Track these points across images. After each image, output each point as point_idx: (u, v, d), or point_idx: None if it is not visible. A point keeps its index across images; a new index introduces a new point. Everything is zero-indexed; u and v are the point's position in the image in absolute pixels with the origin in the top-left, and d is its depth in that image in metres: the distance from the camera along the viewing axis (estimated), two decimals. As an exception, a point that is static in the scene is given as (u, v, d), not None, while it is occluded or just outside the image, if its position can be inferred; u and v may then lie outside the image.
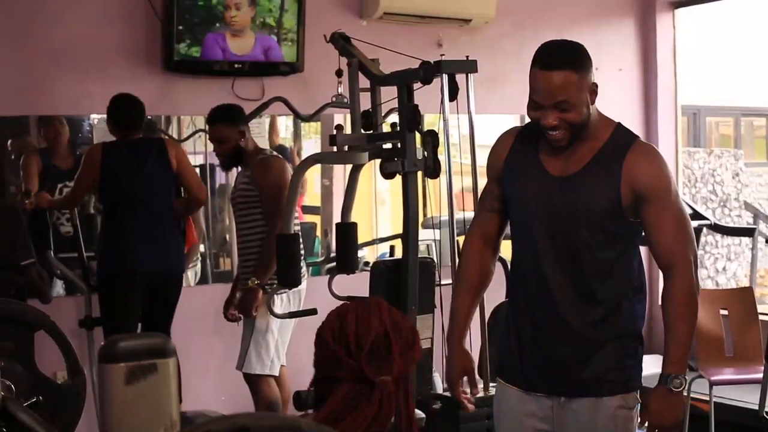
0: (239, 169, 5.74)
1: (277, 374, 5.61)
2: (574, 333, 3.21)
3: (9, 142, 6.07)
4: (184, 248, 5.93)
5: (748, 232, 8.22)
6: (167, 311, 5.71)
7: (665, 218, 3.18)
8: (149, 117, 5.91)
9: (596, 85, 3.14)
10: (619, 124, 3.26)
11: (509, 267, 3.50)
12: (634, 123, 7.82)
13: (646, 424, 3.23)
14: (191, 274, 6.45)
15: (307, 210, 7.04)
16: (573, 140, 3.15)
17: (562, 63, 3.08)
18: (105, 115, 5.70)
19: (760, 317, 6.18)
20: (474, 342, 5.02)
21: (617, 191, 3.15)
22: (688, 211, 7.01)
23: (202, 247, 6.54)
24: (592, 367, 3.22)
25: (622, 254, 3.23)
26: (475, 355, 5.15)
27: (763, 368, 5.42)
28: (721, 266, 10.56)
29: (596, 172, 3.17)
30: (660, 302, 3.24)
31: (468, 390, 3.42)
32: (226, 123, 5.53)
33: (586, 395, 3.23)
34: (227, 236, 6.24)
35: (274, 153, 5.87)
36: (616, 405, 3.24)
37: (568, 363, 3.23)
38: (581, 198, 3.17)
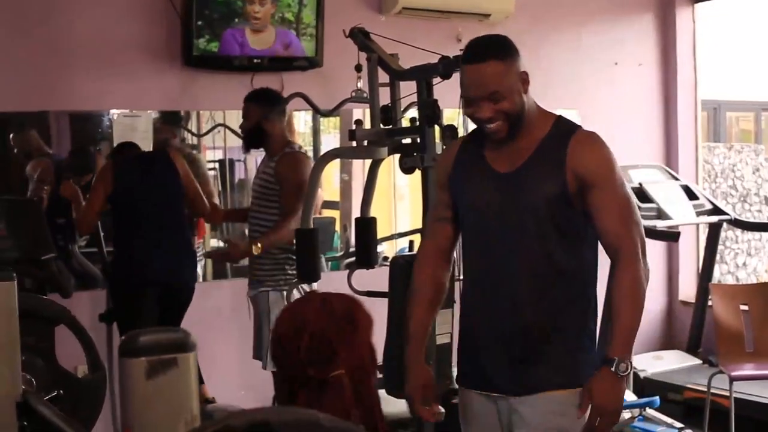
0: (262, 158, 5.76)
1: None
2: (528, 328, 3.20)
3: (11, 136, 6.07)
4: (196, 257, 5.98)
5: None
6: (177, 319, 5.74)
7: (610, 203, 3.17)
8: (172, 111, 5.95)
9: (527, 74, 3.21)
10: (560, 116, 3.31)
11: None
12: (653, 118, 7.80)
13: (590, 409, 3.14)
14: (208, 269, 6.47)
15: (327, 205, 7.04)
16: (513, 132, 3.19)
17: (486, 55, 3.14)
18: (125, 111, 5.73)
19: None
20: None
21: (563, 179, 3.16)
22: (708, 206, 7.03)
23: (220, 243, 6.55)
24: (545, 362, 3.21)
25: (573, 247, 3.23)
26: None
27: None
28: (741, 261, 10.52)
29: (540, 163, 3.19)
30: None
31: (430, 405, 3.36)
32: (253, 102, 5.57)
33: (540, 391, 3.20)
34: (246, 231, 6.24)
35: (302, 149, 5.86)
36: (568, 401, 3.19)
37: (523, 359, 3.22)
38: (527, 191, 3.19)
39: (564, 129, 3.25)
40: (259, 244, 5.33)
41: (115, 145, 5.97)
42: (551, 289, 3.21)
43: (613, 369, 3.09)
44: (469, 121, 4.56)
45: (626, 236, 3.16)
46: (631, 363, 3.15)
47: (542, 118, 3.26)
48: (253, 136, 5.58)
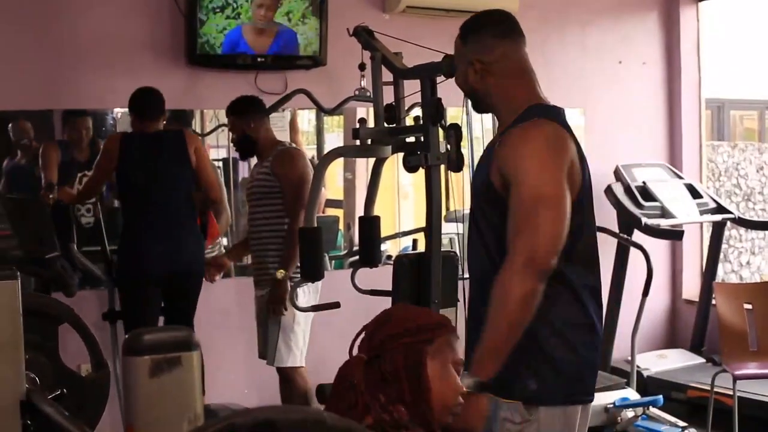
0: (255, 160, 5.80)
1: (305, 365, 5.63)
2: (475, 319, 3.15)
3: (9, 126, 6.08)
4: (202, 243, 5.90)
5: (774, 226, 8.19)
6: (187, 307, 5.72)
7: (515, 203, 2.95)
8: (176, 110, 5.96)
9: (479, 62, 3.24)
10: (533, 105, 3.16)
11: None
12: (658, 117, 7.80)
13: (626, 394, 3.19)
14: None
15: (330, 203, 7.04)
16: (475, 108, 3.36)
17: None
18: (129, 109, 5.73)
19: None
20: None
21: (487, 173, 3.10)
22: (712, 205, 7.02)
23: (225, 241, 6.55)
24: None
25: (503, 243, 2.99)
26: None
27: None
28: (745, 260, 10.51)
29: (486, 153, 3.23)
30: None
31: None
32: (233, 114, 5.65)
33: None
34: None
35: (293, 145, 5.89)
36: (502, 414, 2.86)
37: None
38: (475, 179, 3.26)
39: (520, 117, 3.11)
40: (282, 271, 5.34)
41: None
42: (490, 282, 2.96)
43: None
44: (473, 119, 4.57)
45: (515, 240, 2.92)
46: (483, 382, 2.79)
47: (513, 111, 3.16)
48: (243, 146, 5.64)
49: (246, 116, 5.62)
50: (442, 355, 2.43)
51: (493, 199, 3.07)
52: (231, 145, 5.99)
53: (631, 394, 5.70)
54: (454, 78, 3.25)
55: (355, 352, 2.49)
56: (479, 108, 3.34)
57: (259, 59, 6.19)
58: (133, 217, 5.64)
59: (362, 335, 2.48)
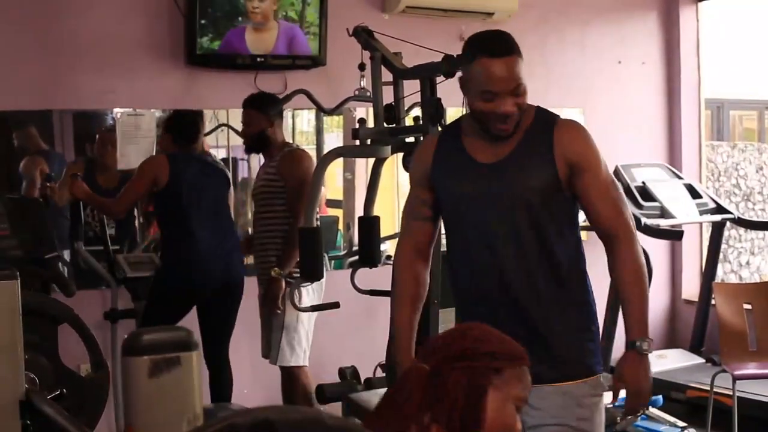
0: (262, 161, 5.80)
1: (308, 364, 5.64)
2: (532, 322, 3.19)
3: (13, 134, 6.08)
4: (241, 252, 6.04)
5: (773, 226, 8.19)
6: (230, 316, 5.84)
7: (602, 187, 3.21)
8: (176, 110, 5.99)
9: None
10: (539, 106, 3.30)
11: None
12: (657, 116, 7.80)
13: (624, 395, 3.20)
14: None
15: (330, 204, 7.04)
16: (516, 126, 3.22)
17: (510, 49, 3.13)
18: (129, 109, 5.74)
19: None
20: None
21: (553, 166, 3.17)
22: (711, 205, 7.03)
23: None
24: (551, 355, 3.19)
25: (566, 234, 3.24)
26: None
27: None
28: (744, 260, 10.51)
29: (527, 152, 3.19)
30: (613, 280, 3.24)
31: None
32: (254, 108, 5.65)
33: (547, 383, 3.14)
34: (250, 230, 6.24)
35: (301, 147, 5.90)
36: (580, 391, 3.23)
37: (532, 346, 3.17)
38: (517, 180, 3.18)
39: (545, 117, 3.26)
40: (279, 271, 5.35)
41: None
42: (543, 280, 3.20)
43: (638, 350, 3.14)
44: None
45: (621, 219, 3.21)
46: (651, 339, 3.17)
47: (528, 111, 3.25)
48: (257, 143, 5.64)
49: (267, 114, 5.63)
50: (508, 389, 2.33)
51: (557, 192, 3.19)
52: (229, 143, 6.00)
53: (631, 394, 5.69)
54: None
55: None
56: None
57: (258, 59, 6.19)
58: (182, 229, 5.70)
59: (430, 344, 2.40)
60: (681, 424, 5.59)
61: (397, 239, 4.65)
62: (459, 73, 3.33)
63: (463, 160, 3.25)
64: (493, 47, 3.13)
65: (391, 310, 3.43)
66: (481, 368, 2.30)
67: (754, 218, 9.97)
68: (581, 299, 3.27)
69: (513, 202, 3.18)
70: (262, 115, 5.61)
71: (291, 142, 5.93)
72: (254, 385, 6.09)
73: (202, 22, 5.99)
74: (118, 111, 6.14)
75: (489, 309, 3.20)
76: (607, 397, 3.25)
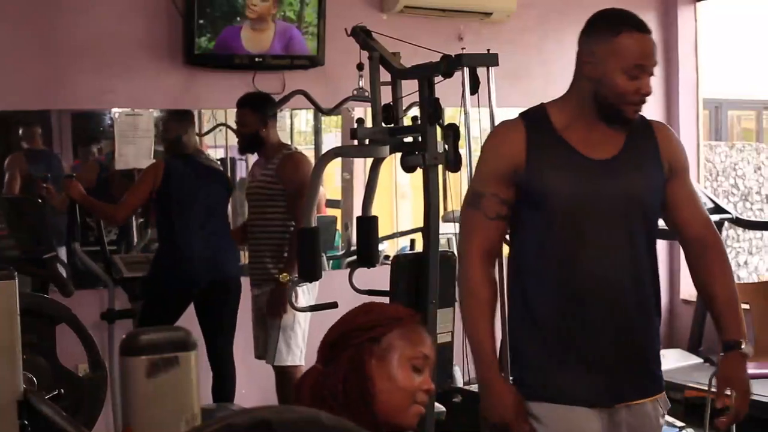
0: (256, 158, 5.81)
1: (304, 363, 5.65)
2: (635, 333, 3.04)
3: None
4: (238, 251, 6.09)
5: (770, 226, 8.19)
6: (229, 314, 5.89)
7: (693, 192, 3.17)
8: (174, 110, 6.01)
9: None
10: None
11: (524, 273, 3.13)
12: (655, 116, 7.72)
13: (730, 396, 3.23)
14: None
15: (328, 203, 7.04)
16: None
17: (647, 26, 3.00)
18: (127, 109, 5.76)
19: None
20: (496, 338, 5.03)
21: (662, 170, 3.07)
22: (709, 205, 7.04)
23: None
24: (647, 369, 3.11)
25: (654, 242, 3.14)
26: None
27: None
28: (742, 260, 10.52)
29: (638, 151, 3.03)
30: (696, 286, 3.18)
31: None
32: (249, 108, 5.66)
33: (644, 397, 3.09)
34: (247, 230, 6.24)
35: (299, 149, 5.92)
36: (660, 406, 3.16)
37: (629, 367, 3.05)
38: (635, 180, 3.00)
39: (638, 116, 3.08)
40: (287, 276, 5.35)
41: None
42: (649, 288, 3.07)
43: (741, 352, 3.15)
44: (478, 119, 4.55)
45: (711, 225, 3.17)
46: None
47: None
48: (250, 143, 5.67)
49: (262, 114, 5.65)
50: (394, 353, 2.31)
51: (660, 195, 3.11)
52: (227, 143, 6.00)
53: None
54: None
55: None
56: None
57: (256, 59, 6.19)
58: (176, 227, 5.77)
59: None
60: (679, 424, 5.59)
61: (394, 239, 4.62)
62: (586, 46, 3.06)
63: (569, 155, 2.99)
64: (638, 22, 2.97)
65: (466, 322, 3.11)
66: (358, 343, 2.30)
67: (752, 218, 9.98)
68: (659, 309, 3.16)
69: (629, 203, 2.99)
70: (255, 115, 5.63)
71: (287, 142, 5.94)
72: (250, 385, 6.08)
73: (201, 21, 5.99)
74: (116, 111, 6.15)
75: (593, 316, 3.00)
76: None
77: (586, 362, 3.00)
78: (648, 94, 2.95)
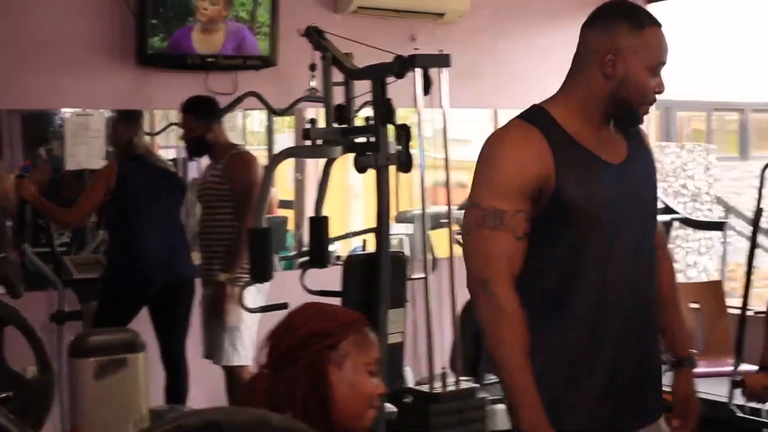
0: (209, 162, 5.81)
1: (251, 364, 5.64)
2: (653, 351, 2.90)
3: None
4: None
5: (719, 226, 8.26)
6: (184, 314, 5.86)
7: None
8: (126, 110, 5.98)
9: None
10: None
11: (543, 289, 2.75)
12: (606, 118, 7.84)
13: (685, 412, 3.05)
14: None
15: (280, 204, 7.03)
16: None
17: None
18: (78, 110, 5.73)
19: (730, 311, 6.21)
20: (446, 337, 5.05)
21: (655, 171, 2.94)
22: (660, 205, 7.08)
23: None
24: (659, 386, 2.96)
25: None
26: (447, 351, 5.18)
27: (732, 361, 5.45)
28: (691, 260, 10.62)
29: (639, 154, 2.87)
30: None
31: None
32: (191, 114, 5.66)
33: (656, 419, 2.93)
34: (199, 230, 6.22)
35: (247, 149, 5.91)
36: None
37: (649, 386, 2.91)
38: (646, 185, 2.86)
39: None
40: (227, 276, 5.39)
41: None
42: (653, 300, 2.91)
43: (691, 366, 3.09)
44: (431, 119, 4.55)
45: (659, 230, 3.01)
46: None
47: None
48: (197, 146, 5.69)
49: (204, 118, 5.64)
50: (350, 359, 2.30)
51: None
52: (182, 141, 5.97)
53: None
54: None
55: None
56: None
57: (208, 59, 6.16)
58: (131, 229, 5.74)
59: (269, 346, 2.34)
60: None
61: (347, 239, 4.61)
62: (611, 40, 2.74)
63: (590, 160, 2.73)
64: (650, 16, 2.82)
65: (503, 362, 2.66)
66: (316, 351, 2.28)
67: (702, 218, 10.07)
68: None
69: (643, 209, 2.83)
70: (199, 120, 5.64)
71: (237, 143, 5.93)
72: (200, 386, 6.05)
73: (153, 21, 5.95)
74: (66, 111, 6.10)
75: (623, 334, 2.78)
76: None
77: (616, 386, 2.77)
78: (662, 92, 2.79)
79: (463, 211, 2.78)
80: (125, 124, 5.93)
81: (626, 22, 2.74)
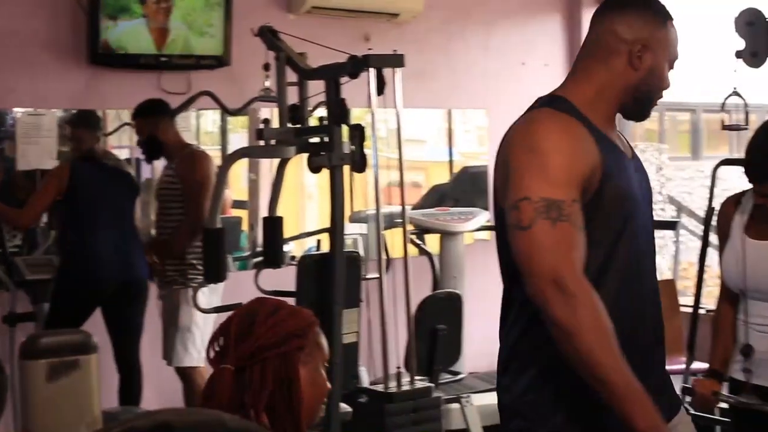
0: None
1: (204, 365, 5.63)
2: (663, 345, 2.77)
3: None
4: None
5: (671, 226, 8.33)
6: (138, 315, 5.84)
7: None
8: (79, 110, 5.96)
9: None
10: None
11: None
12: (560, 118, 7.88)
13: None
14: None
15: (234, 204, 7.01)
16: None
17: None
18: (29, 109, 5.70)
19: (683, 309, 6.27)
20: (401, 337, 5.06)
21: None
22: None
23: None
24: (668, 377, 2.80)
25: None
26: (402, 351, 5.18)
27: (685, 359, 5.50)
28: (645, 259, 10.67)
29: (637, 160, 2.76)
30: None
31: None
32: (140, 117, 5.69)
33: (678, 410, 2.73)
34: (153, 231, 6.19)
35: (200, 148, 5.90)
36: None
37: (669, 378, 2.80)
38: (648, 182, 2.76)
39: None
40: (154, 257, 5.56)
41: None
42: None
43: None
44: (385, 119, 4.56)
45: None
46: None
47: None
48: (150, 148, 5.67)
49: (153, 119, 5.65)
50: (313, 358, 2.31)
51: None
52: (137, 146, 5.95)
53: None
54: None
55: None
56: None
57: (162, 59, 6.13)
58: (84, 230, 5.71)
59: (220, 341, 2.32)
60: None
61: (302, 239, 4.58)
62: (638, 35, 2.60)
63: (619, 152, 2.61)
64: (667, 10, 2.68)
65: (599, 363, 2.35)
66: (287, 353, 2.27)
67: (655, 218, 10.12)
68: None
69: (650, 207, 2.73)
70: (147, 121, 5.66)
71: (191, 143, 5.92)
72: (154, 388, 6.03)
73: (106, 20, 5.91)
74: (18, 111, 6.05)
75: (650, 335, 2.70)
76: None
77: (653, 378, 2.60)
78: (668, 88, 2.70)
79: (511, 210, 2.46)
80: (89, 132, 5.93)
81: (653, 14, 2.62)
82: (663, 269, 10.63)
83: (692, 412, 4.18)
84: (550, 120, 2.57)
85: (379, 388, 4.92)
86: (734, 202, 3.88)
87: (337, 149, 4.60)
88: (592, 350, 2.33)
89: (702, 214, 6.61)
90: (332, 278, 4.61)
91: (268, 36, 5.11)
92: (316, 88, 4.86)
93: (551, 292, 2.34)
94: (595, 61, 2.65)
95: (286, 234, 5.30)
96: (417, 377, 4.91)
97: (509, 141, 2.63)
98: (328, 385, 2.37)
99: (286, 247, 5.55)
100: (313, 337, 2.32)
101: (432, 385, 5.00)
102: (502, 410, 2.67)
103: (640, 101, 2.66)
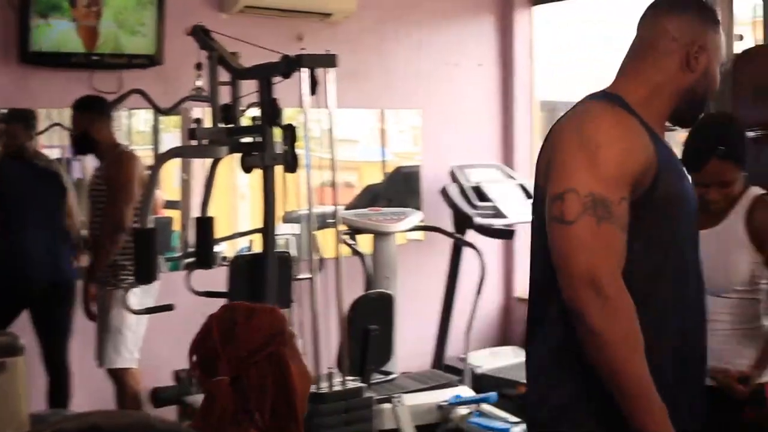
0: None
1: (137, 366, 5.60)
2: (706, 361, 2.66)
3: None
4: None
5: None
6: (66, 315, 5.80)
7: None
8: (10, 109, 5.90)
9: None
10: None
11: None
12: (493, 117, 7.94)
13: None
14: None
15: (166, 204, 6.98)
16: None
17: None
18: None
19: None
20: (333, 337, 5.06)
21: None
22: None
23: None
24: None
25: None
26: (334, 351, 5.20)
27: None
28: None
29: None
30: None
31: None
32: (78, 111, 5.65)
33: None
34: (84, 232, 6.15)
35: (129, 149, 5.86)
36: None
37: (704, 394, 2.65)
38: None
39: None
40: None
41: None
42: None
43: None
44: (318, 119, 4.56)
45: None
46: None
47: None
48: (81, 143, 5.65)
49: (89, 115, 5.61)
50: (295, 351, 2.34)
51: None
52: (67, 147, 5.91)
53: (465, 391, 5.79)
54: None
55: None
56: None
57: (93, 58, 6.08)
58: (13, 228, 5.69)
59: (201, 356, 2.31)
60: (513, 419, 5.69)
61: (235, 240, 4.52)
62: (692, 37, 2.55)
63: (672, 153, 2.53)
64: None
65: (626, 371, 2.29)
66: (277, 351, 2.29)
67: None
68: None
69: (697, 214, 2.63)
70: (82, 116, 5.61)
71: (122, 143, 5.89)
72: (85, 391, 5.98)
73: (36, 18, 5.85)
74: (-53, 110, 5.98)
75: (699, 349, 2.59)
76: None
77: (700, 382, 2.59)
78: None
79: (554, 200, 2.37)
80: (23, 129, 5.89)
81: (707, 16, 2.58)
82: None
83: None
84: (605, 112, 2.48)
85: (311, 388, 4.92)
86: None
87: (269, 149, 4.60)
88: (626, 362, 2.27)
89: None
90: (264, 278, 4.62)
91: (201, 35, 5.10)
92: (249, 87, 4.86)
93: (588, 296, 2.26)
94: (647, 62, 2.58)
95: (219, 234, 5.30)
96: (349, 377, 4.93)
97: (560, 129, 2.58)
98: (311, 373, 2.41)
99: (218, 248, 5.55)
100: (290, 332, 2.35)
101: (364, 385, 5.01)
102: (533, 426, 2.57)
103: (694, 104, 2.60)
